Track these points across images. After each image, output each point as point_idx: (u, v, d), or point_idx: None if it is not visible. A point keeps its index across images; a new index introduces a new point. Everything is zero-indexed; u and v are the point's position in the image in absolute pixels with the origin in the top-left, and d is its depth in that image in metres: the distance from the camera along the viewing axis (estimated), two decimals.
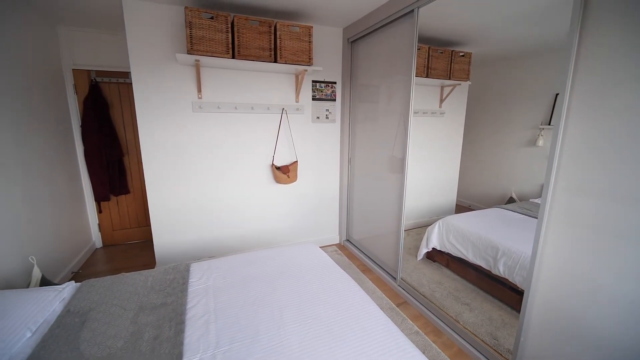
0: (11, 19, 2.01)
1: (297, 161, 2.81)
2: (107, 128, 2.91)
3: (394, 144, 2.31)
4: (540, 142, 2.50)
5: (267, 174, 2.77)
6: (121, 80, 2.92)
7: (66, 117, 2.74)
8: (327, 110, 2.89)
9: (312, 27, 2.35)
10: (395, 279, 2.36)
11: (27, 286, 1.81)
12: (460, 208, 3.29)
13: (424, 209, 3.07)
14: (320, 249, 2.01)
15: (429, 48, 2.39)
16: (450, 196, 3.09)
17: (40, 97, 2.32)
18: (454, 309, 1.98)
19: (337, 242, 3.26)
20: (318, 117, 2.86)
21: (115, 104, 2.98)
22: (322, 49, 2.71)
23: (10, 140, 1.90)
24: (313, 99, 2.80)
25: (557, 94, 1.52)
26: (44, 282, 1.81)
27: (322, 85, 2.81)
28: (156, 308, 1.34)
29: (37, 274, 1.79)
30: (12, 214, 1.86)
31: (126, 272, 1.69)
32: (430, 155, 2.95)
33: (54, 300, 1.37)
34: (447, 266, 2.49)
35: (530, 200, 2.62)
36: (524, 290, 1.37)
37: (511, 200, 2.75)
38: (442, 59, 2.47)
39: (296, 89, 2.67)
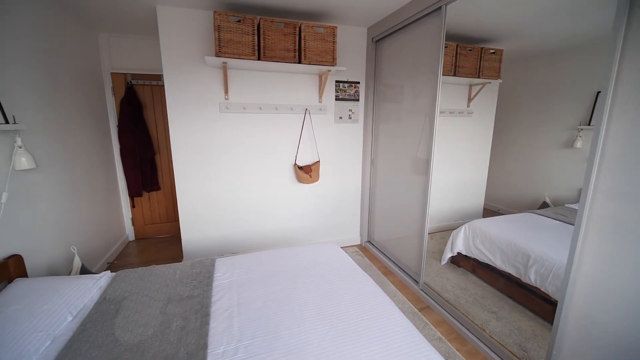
0: (59, 26, 2.19)
1: (319, 161, 2.82)
2: (140, 128, 3.08)
3: (418, 145, 2.26)
4: (579, 144, 2.34)
5: (289, 173, 2.81)
6: (154, 82, 3.09)
7: (105, 117, 2.94)
8: (350, 110, 2.88)
9: (336, 27, 2.35)
10: (417, 282, 2.30)
11: (69, 274, 1.96)
12: (488, 212, 3.15)
13: (449, 212, 2.97)
14: (341, 249, 2.01)
15: (456, 46, 2.31)
16: (477, 199, 2.97)
17: (84, 99, 2.50)
18: (479, 316, 1.90)
19: (358, 243, 3.24)
20: (341, 117, 2.86)
21: (149, 105, 3.15)
22: (345, 49, 2.71)
23: (57, 138, 2.06)
24: (336, 99, 2.80)
25: (598, 92, 1.41)
26: (83, 270, 1.95)
27: (346, 85, 2.80)
28: (183, 300, 1.40)
29: (77, 262, 1.93)
30: (58, 207, 2.03)
31: (156, 264, 1.78)
32: (457, 157, 2.85)
33: (92, 288, 1.47)
34: (473, 272, 2.40)
35: (566, 205, 2.46)
36: (557, 301, 1.29)
37: (544, 205, 2.59)
38: (471, 56, 2.38)
39: (319, 90, 2.69)
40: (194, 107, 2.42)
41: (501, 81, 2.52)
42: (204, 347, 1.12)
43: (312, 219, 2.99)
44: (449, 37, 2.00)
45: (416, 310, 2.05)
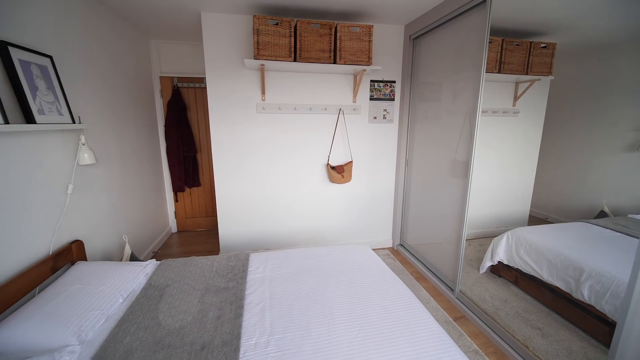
0: (117, 33, 2.41)
1: (352, 161, 2.81)
2: (184, 128, 3.29)
3: (457, 146, 2.16)
4: None
5: (322, 173, 2.83)
6: (197, 85, 3.28)
7: (153, 117, 3.18)
8: (385, 110, 2.82)
9: (372, 26, 2.33)
10: (453, 290, 2.20)
11: (120, 259, 2.15)
12: (535, 220, 2.91)
13: (489, 218, 2.80)
14: (372, 251, 1.98)
15: (502, 40, 2.17)
16: (522, 205, 2.76)
17: (136, 101, 2.74)
18: (522, 331, 1.77)
19: (390, 245, 3.17)
20: (375, 117, 2.81)
21: (192, 106, 3.36)
22: (381, 48, 2.66)
23: (114, 137, 2.28)
24: (371, 99, 2.77)
25: None
26: (132, 257, 2.13)
27: (381, 84, 2.76)
28: (220, 291, 1.48)
29: (128, 250, 2.12)
30: (113, 199, 2.24)
31: (195, 255, 1.89)
32: (500, 159, 2.67)
33: (140, 274, 1.60)
34: (515, 283, 2.24)
35: (629, 215, 2.19)
36: (615, 322, 1.16)
37: (602, 215, 2.33)
38: (519, 51, 2.22)
39: (354, 90, 2.68)
40: (233, 107, 2.53)
41: (553, 77, 2.32)
42: (237, 337, 1.17)
43: (343, 220, 2.99)
44: (494, 31, 1.88)
45: (451, 319, 1.96)
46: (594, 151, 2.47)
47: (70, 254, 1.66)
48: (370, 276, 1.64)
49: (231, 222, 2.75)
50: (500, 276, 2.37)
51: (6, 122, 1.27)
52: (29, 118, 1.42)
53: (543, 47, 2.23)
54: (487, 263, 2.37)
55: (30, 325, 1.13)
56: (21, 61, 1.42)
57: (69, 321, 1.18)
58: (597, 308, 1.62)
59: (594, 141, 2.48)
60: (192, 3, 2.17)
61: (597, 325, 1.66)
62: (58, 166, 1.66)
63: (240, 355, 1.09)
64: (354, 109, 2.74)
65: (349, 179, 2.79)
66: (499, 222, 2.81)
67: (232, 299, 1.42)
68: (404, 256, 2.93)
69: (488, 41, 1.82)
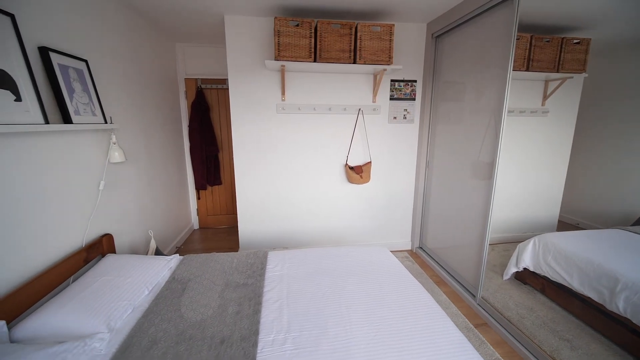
0: (146, 37, 2.53)
1: (370, 162, 2.79)
2: (207, 127, 3.40)
3: (481, 147, 2.09)
4: None
5: (340, 173, 2.83)
6: (219, 86, 3.37)
7: (178, 118, 3.31)
8: (406, 110, 2.78)
9: (393, 25, 2.30)
10: (474, 296, 2.13)
11: (146, 253, 2.25)
12: (565, 225, 2.75)
13: (515, 222, 2.68)
14: (391, 253, 1.95)
15: (531, 37, 2.07)
16: (551, 210, 2.62)
17: (163, 102, 2.85)
18: (549, 342, 1.68)
19: (409, 248, 3.11)
20: (395, 117, 2.78)
21: (214, 106, 3.46)
22: (402, 47, 2.62)
23: (141, 136, 2.38)
24: (391, 99, 2.73)
25: None
26: (157, 252, 2.23)
27: (401, 84, 2.72)
28: (239, 287, 1.51)
29: (153, 245, 2.21)
30: (140, 196, 2.34)
31: (216, 252, 1.95)
32: (527, 161, 2.56)
33: (164, 268, 1.67)
34: (542, 291, 2.13)
35: None
36: None
37: None
38: (549, 48, 2.11)
39: (374, 89, 2.65)
40: (254, 108, 2.58)
41: (586, 75, 2.19)
42: (255, 333, 1.20)
43: (361, 220, 2.97)
44: (522, 27, 1.80)
45: (471, 325, 1.90)
46: (633, 154, 2.31)
47: (101, 247, 1.76)
48: (388, 278, 1.62)
49: (250, 220, 2.81)
50: (525, 283, 2.26)
51: (46, 122, 1.36)
52: (66, 118, 1.51)
53: (576, 43, 2.11)
54: (512, 269, 2.27)
55: (65, 312, 1.21)
56: (60, 65, 1.52)
57: (100, 310, 1.24)
58: (634, 322, 1.51)
59: (632, 143, 2.32)
60: (216, 6, 2.23)
61: (633, 340, 1.55)
62: (91, 164, 1.76)
63: (258, 351, 1.11)
64: (374, 109, 2.71)
65: (367, 179, 2.77)
66: (525, 226, 2.68)
67: (250, 295, 1.45)
68: (423, 259, 2.86)
69: (516, 38, 1.75)
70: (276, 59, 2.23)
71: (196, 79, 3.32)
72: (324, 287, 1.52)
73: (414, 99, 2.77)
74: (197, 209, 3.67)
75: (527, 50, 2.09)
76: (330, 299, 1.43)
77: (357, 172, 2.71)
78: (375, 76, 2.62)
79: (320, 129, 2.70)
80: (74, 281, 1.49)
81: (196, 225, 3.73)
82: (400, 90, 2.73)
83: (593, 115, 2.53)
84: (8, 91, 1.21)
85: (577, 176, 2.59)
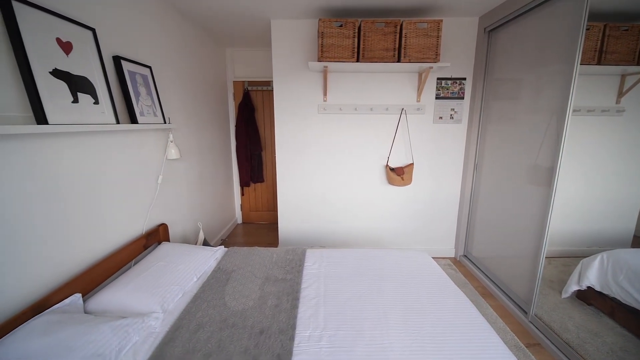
0: (200, 43, 2.73)
1: (412, 163, 2.69)
2: (252, 127, 3.56)
3: (539, 150, 1.90)
4: None
5: (380, 174, 2.78)
6: (265, 88, 3.52)
7: (226, 118, 3.52)
8: (453, 109, 2.63)
9: (441, 21, 2.19)
10: (526, 313, 1.95)
11: (195, 243, 2.43)
12: None
13: (578, 235, 2.39)
14: (432, 259, 1.87)
15: (604, 26, 1.83)
16: (624, 223, 2.29)
17: (213, 103, 3.06)
18: None
19: (452, 255, 2.95)
20: (441, 118, 2.65)
21: (259, 107, 3.62)
22: (450, 43, 2.49)
23: (194, 135, 2.58)
24: (436, 98, 2.61)
25: None
26: (205, 242, 2.39)
27: (449, 82, 2.58)
28: (278, 281, 1.57)
29: (201, 236, 2.38)
30: (191, 190, 2.54)
31: (258, 246, 2.03)
32: (596, 167, 2.26)
33: (210, 258, 1.79)
34: (611, 315, 1.87)
35: None
36: None
37: None
38: (627, 38, 1.84)
39: (418, 88, 2.56)
40: (296, 108, 2.65)
41: None
42: (292, 327, 1.23)
43: (401, 224, 2.89)
44: (591, 16, 1.61)
45: (522, 344, 1.74)
46: None
47: (158, 235, 1.94)
48: (428, 285, 1.56)
49: (290, 218, 2.89)
50: (589, 304, 2.01)
51: (117, 122, 1.54)
52: (132, 119, 1.70)
53: None
54: (573, 287, 2.03)
55: (127, 292, 1.36)
56: (129, 72, 1.71)
57: (155, 292, 1.38)
58: None
59: None
60: (264, 12, 2.33)
61: None
62: (152, 160, 1.95)
63: (295, 345, 1.14)
64: (418, 109, 2.62)
65: (409, 181, 2.68)
66: (591, 240, 2.38)
67: (289, 290, 1.49)
68: (468, 268, 2.69)
69: (585, 28, 1.56)
70: (319, 60, 2.26)
71: (243, 81, 3.51)
72: (362, 289, 1.51)
73: (462, 98, 2.62)
74: (241, 205, 3.88)
75: (599, 42, 1.85)
76: (367, 301, 1.42)
77: (398, 174, 2.64)
78: (420, 75, 2.53)
79: (360, 129, 2.68)
80: (135, 264, 1.67)
81: (239, 220, 3.94)
82: (447, 89, 2.60)
83: None
84: (89, 95, 1.39)
85: None
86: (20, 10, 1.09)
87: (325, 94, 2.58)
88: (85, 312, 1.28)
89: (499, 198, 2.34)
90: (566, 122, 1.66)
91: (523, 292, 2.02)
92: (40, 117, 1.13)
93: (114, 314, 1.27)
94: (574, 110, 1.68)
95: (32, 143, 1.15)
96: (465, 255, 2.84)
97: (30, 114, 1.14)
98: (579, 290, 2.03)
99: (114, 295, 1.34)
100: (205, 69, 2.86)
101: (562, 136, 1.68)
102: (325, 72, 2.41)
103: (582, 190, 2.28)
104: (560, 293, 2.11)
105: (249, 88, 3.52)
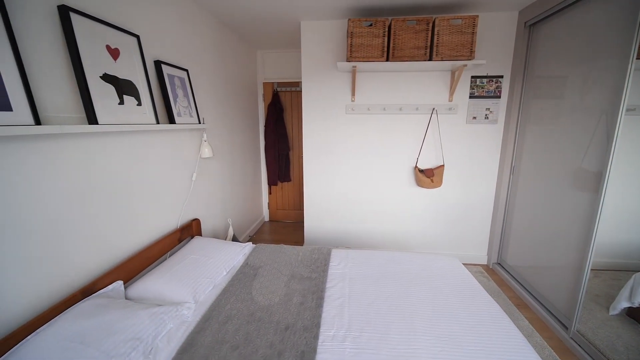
0: (232, 46, 2.84)
1: (443, 165, 2.60)
2: (280, 128, 3.64)
3: (585, 152, 1.76)
4: None
5: (408, 175, 2.71)
6: (293, 89, 3.58)
7: (256, 118, 3.62)
8: (488, 109, 2.51)
9: (477, 16, 2.10)
10: (566, 328, 1.81)
11: (225, 239, 2.53)
12: None
13: (631, 247, 2.17)
14: (463, 265, 1.80)
15: None
16: None
17: (244, 104, 3.16)
18: None
19: (484, 263, 2.81)
20: (474, 118, 2.53)
21: (287, 108, 3.68)
22: (486, 39, 2.37)
23: (225, 135, 2.69)
24: (470, 97, 2.50)
25: None
26: (234, 238, 2.48)
27: (484, 80, 2.46)
28: (303, 279, 1.59)
29: (231, 231, 2.47)
30: (222, 187, 2.65)
31: (284, 244, 2.07)
32: None
33: (239, 253, 1.85)
34: None
35: None
36: None
37: None
38: None
39: (451, 87, 2.47)
40: (324, 109, 2.66)
41: None
42: (317, 325, 1.24)
43: (429, 227, 2.80)
44: None
45: None
46: None
47: (191, 229, 2.04)
48: (458, 292, 1.49)
49: (316, 217, 2.91)
50: None
51: (157, 122, 1.64)
52: (171, 119, 1.81)
53: None
54: (623, 304, 1.85)
55: (163, 281, 1.44)
56: (168, 75, 1.82)
57: (188, 283, 1.45)
58: None
59: None
60: (294, 14, 2.37)
61: None
62: (187, 158, 2.06)
63: (319, 344, 1.15)
64: (450, 108, 2.52)
65: (439, 184, 2.59)
66: None
67: (314, 289, 1.50)
68: (502, 277, 2.55)
69: None
70: (348, 60, 2.26)
71: (273, 82, 3.59)
72: (387, 292, 1.49)
73: (498, 97, 2.48)
74: (268, 203, 3.97)
75: None
76: (393, 304, 1.39)
77: (428, 176, 2.56)
78: (453, 73, 2.44)
79: (389, 130, 2.64)
80: (170, 256, 1.77)
81: (267, 218, 4.03)
82: (482, 88, 2.48)
83: None
84: (133, 97, 1.50)
85: None
86: (76, 20, 1.20)
87: (353, 94, 2.57)
88: (126, 298, 1.38)
89: (538, 203, 2.19)
90: (618, 121, 1.52)
91: (564, 306, 1.87)
92: (92, 118, 1.24)
93: (151, 301, 1.36)
94: (628, 109, 1.53)
95: (83, 142, 1.27)
96: (498, 263, 2.69)
97: (82, 114, 1.25)
98: (630, 307, 1.84)
99: (152, 284, 1.43)
100: (237, 71, 2.96)
101: (613, 137, 1.54)
102: (353, 72, 2.40)
103: (636, 197, 2.07)
104: (608, 309, 1.93)
105: (278, 89, 3.60)
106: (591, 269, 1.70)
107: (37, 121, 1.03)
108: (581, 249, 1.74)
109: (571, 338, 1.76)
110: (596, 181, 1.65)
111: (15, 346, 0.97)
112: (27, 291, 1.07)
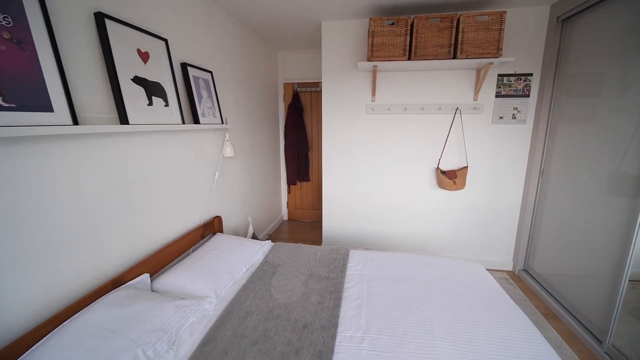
0: (255, 48, 2.89)
1: (467, 167, 2.52)
2: (300, 128, 3.67)
3: (623, 155, 1.64)
4: None
5: (429, 177, 2.65)
6: (313, 89, 3.59)
7: (276, 119, 3.67)
8: (516, 108, 2.40)
9: (505, 12, 2.01)
10: (600, 341, 1.70)
11: (245, 236, 2.58)
12: None
13: None
14: (487, 271, 1.73)
15: None
16: None
17: (265, 105, 3.22)
18: None
19: (509, 269, 2.69)
20: (501, 117, 2.43)
21: (308, 108, 3.70)
22: (514, 36, 2.27)
23: (247, 135, 2.75)
24: (497, 96, 2.41)
25: None
26: (254, 236, 2.53)
27: (512, 79, 2.36)
28: (321, 279, 1.59)
29: (251, 229, 2.52)
30: (243, 186, 2.70)
31: (302, 243, 2.09)
32: None
33: (259, 251, 1.89)
34: None
35: None
36: None
37: None
38: None
39: (476, 86, 2.39)
40: (344, 109, 2.66)
41: None
42: (334, 325, 1.24)
43: (451, 230, 2.72)
44: None
45: None
46: None
47: (213, 226, 2.10)
48: (482, 299, 1.44)
49: (334, 217, 2.91)
50: None
51: (183, 122, 1.70)
52: (195, 119, 1.87)
53: None
54: None
55: (186, 276, 1.50)
56: (194, 77, 1.88)
57: (210, 279, 1.50)
58: None
59: None
60: (315, 14, 2.38)
61: None
62: (210, 157, 2.12)
63: (337, 344, 1.14)
64: (474, 108, 2.44)
65: (461, 186, 2.52)
66: None
67: (331, 289, 1.50)
68: (528, 284, 2.43)
69: None
70: (369, 60, 2.24)
71: (293, 83, 3.63)
72: (406, 295, 1.46)
73: (527, 96, 2.37)
74: (287, 202, 4.01)
75: None
76: (412, 307, 1.37)
77: (450, 177, 2.49)
78: (478, 71, 2.36)
79: (410, 130, 2.59)
80: (193, 252, 1.83)
81: (285, 217, 4.08)
82: (509, 86, 2.38)
83: None
84: (161, 99, 1.56)
85: None
86: (111, 26, 1.27)
87: (373, 93, 2.54)
88: (152, 290, 1.44)
89: (569, 208, 2.07)
90: None
91: (597, 318, 1.76)
92: (124, 118, 1.31)
93: (175, 294, 1.41)
94: None
95: (115, 141, 1.34)
96: (525, 270, 2.57)
97: (114, 115, 1.32)
98: None
99: (176, 278, 1.49)
100: (259, 72, 3.02)
101: None
102: (374, 72, 2.38)
103: None
104: None
105: (299, 89, 3.63)
106: (629, 280, 1.59)
107: (75, 121, 1.10)
108: (618, 257, 1.63)
109: (605, 352, 1.65)
110: (635, 185, 1.54)
111: (52, 331, 1.04)
112: (68, 277, 1.15)
